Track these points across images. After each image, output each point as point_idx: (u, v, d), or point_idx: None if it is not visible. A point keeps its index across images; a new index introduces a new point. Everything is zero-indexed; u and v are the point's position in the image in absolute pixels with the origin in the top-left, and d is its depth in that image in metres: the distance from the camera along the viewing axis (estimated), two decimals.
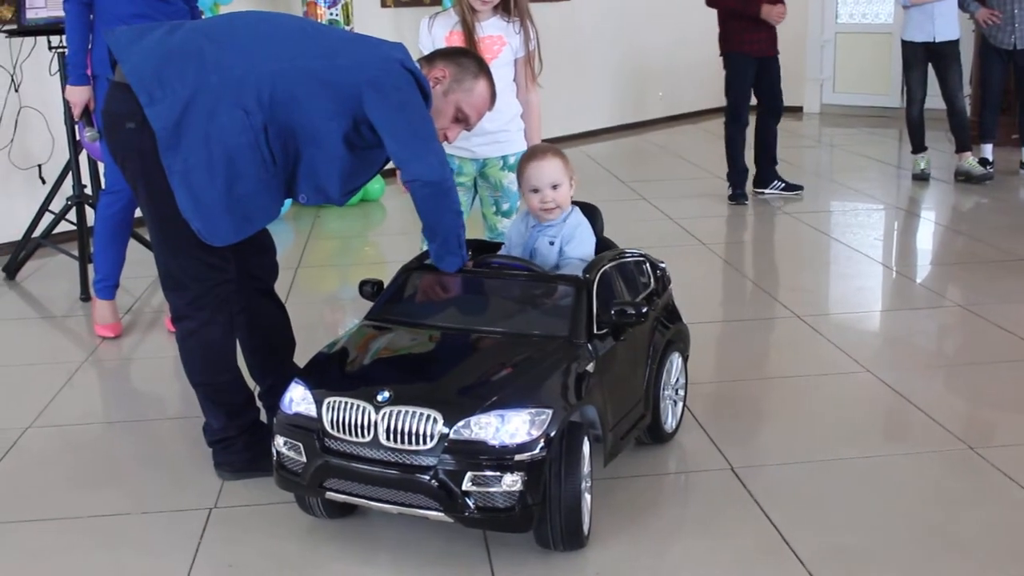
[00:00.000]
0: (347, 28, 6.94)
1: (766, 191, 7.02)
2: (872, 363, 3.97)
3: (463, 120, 3.17)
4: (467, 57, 3.22)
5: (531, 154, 3.23)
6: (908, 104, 7.46)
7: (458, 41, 3.67)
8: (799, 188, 7.00)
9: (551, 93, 8.62)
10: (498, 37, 3.73)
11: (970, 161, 7.36)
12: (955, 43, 7.22)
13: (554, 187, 3.12)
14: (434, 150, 2.87)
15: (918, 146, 7.48)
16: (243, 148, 2.82)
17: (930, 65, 7.31)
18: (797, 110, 10.90)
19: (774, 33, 6.69)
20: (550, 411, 2.53)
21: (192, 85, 2.80)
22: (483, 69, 3.19)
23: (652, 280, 3.29)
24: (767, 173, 7.03)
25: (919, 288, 5.08)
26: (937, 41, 7.17)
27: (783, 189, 6.99)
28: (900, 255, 5.91)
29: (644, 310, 2.88)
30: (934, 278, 5.26)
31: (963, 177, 7.35)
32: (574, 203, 3.22)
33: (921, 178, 7.47)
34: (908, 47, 7.35)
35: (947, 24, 7.15)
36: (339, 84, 2.84)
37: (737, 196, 6.85)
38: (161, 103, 2.79)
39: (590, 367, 2.74)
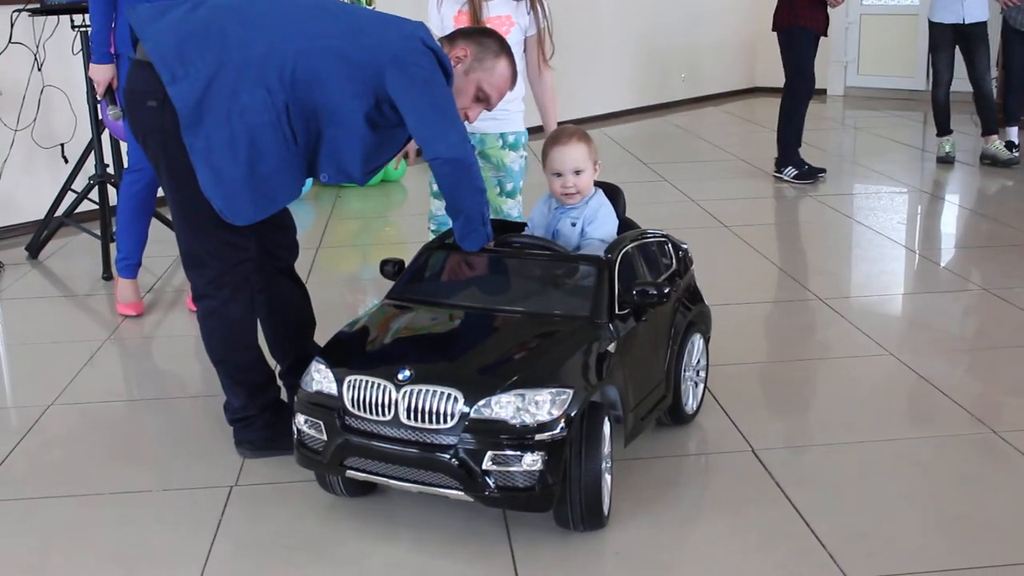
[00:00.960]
0: (369, 6, 6.91)
1: (782, 174, 6.99)
2: (895, 346, 3.95)
3: (484, 99, 3.16)
4: (488, 36, 3.21)
5: (556, 137, 3.21)
6: (934, 86, 7.40)
7: (466, 21, 3.64)
8: (821, 171, 6.95)
9: (572, 74, 8.59)
10: (506, 17, 3.70)
11: (996, 144, 7.30)
12: (984, 25, 7.17)
13: (577, 172, 3.10)
14: (456, 128, 2.87)
15: (943, 129, 7.43)
16: (265, 127, 2.81)
17: (957, 47, 7.24)
18: (821, 92, 10.83)
19: (826, 12, 6.76)
20: (571, 391, 2.52)
21: (214, 63, 2.79)
22: (504, 48, 3.18)
23: (674, 261, 3.28)
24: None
25: (943, 271, 5.04)
26: (967, 23, 7.11)
27: (795, 177, 6.92)
28: (924, 238, 5.87)
29: (666, 291, 2.87)
30: (958, 261, 5.22)
31: (989, 160, 7.30)
32: (597, 184, 3.21)
33: (946, 161, 7.42)
34: (936, 28, 7.28)
35: (977, 5, 7.10)
36: (361, 63, 2.83)
37: (810, 173, 6.89)
38: (183, 81, 2.79)
39: (611, 347, 2.73)
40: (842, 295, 4.64)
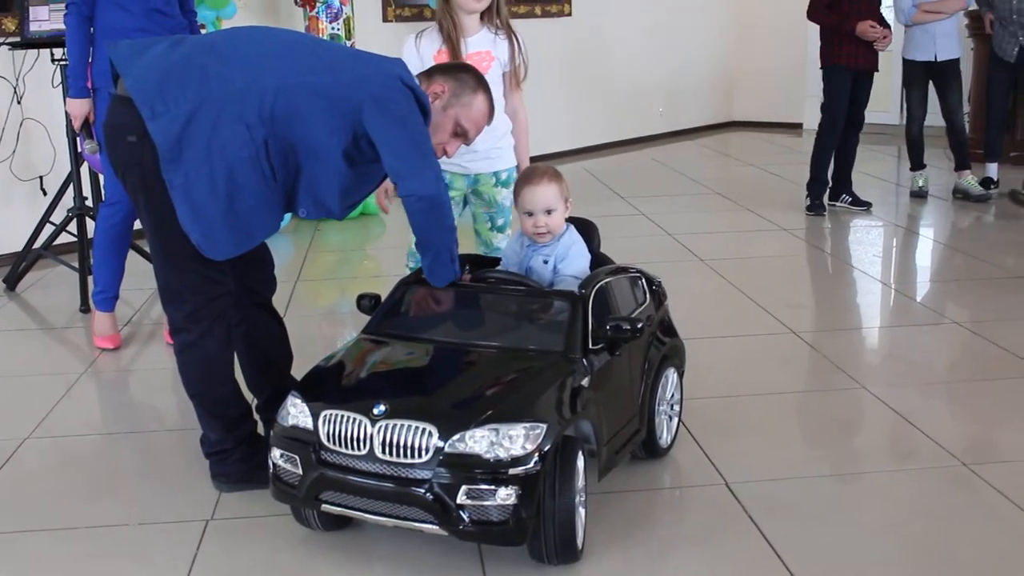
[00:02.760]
0: (348, 43, 6.97)
1: (837, 203, 7.12)
2: (868, 380, 3.98)
3: (462, 134, 3.18)
4: (466, 72, 3.24)
5: (527, 176, 3.24)
6: (908, 121, 7.47)
7: (446, 59, 3.67)
8: (867, 204, 7.10)
9: (549, 108, 8.64)
10: (486, 53, 3.74)
11: (969, 180, 7.37)
12: (956, 62, 7.24)
13: (548, 212, 3.14)
14: (431, 165, 2.89)
15: (917, 163, 7.51)
16: (244, 162, 2.83)
17: (931, 84, 7.33)
18: (797, 127, 10.94)
19: (872, 49, 6.81)
20: (545, 425, 2.54)
21: (194, 99, 2.81)
22: (481, 84, 3.21)
23: (648, 295, 3.31)
24: (842, 185, 7.14)
25: (917, 305, 5.09)
26: (939, 60, 7.18)
27: (851, 203, 7.09)
28: (898, 272, 5.93)
29: (640, 325, 2.90)
30: (932, 295, 5.27)
31: (961, 195, 7.36)
32: (570, 220, 3.24)
33: (919, 195, 7.49)
34: (909, 66, 7.35)
35: (949, 44, 7.17)
36: (340, 99, 2.86)
37: (816, 207, 6.99)
38: (163, 117, 2.81)
39: (585, 382, 2.76)
40: (816, 328, 4.68)
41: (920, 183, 7.51)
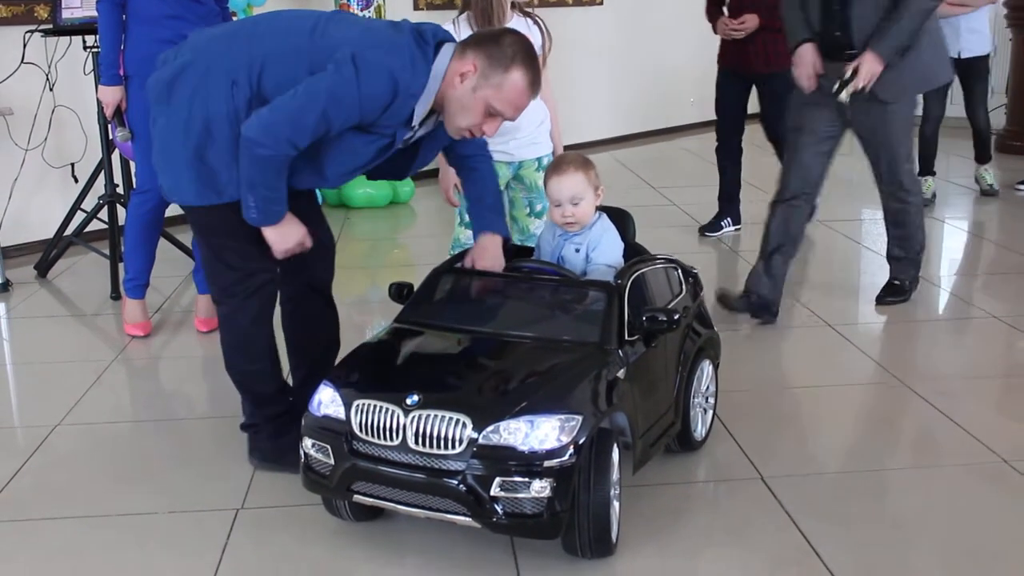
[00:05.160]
0: None
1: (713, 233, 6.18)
2: (906, 374, 3.93)
3: (497, 114, 2.90)
4: (500, 45, 2.85)
5: (555, 166, 3.19)
6: (923, 121, 6.78)
7: None
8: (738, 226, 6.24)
9: (580, 98, 8.58)
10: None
11: (982, 172, 7.20)
12: (984, 59, 6.86)
13: (575, 203, 3.09)
14: (275, 120, 2.74)
15: (926, 168, 6.87)
16: (221, 118, 2.85)
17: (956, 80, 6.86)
18: None
19: (749, 48, 5.84)
20: (580, 417, 2.51)
21: (195, 51, 2.92)
22: (519, 54, 2.83)
23: (684, 287, 3.27)
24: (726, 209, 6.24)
25: (955, 299, 5.02)
26: (963, 57, 6.69)
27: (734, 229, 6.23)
28: (934, 265, 5.85)
29: (676, 317, 2.85)
30: (970, 289, 5.20)
31: (980, 188, 7.23)
32: (603, 208, 3.20)
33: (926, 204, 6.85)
34: None
35: (976, 39, 6.78)
36: (315, 64, 2.80)
37: (709, 226, 6.21)
38: (166, 65, 2.95)
39: (621, 374, 2.72)
40: (852, 321, 4.62)
41: (928, 195, 6.81)
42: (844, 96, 4.13)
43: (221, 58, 2.87)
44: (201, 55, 2.90)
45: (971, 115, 7.04)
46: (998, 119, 9.19)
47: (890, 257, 4.83)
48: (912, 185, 4.61)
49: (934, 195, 7.00)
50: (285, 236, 2.95)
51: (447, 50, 2.86)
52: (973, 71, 6.84)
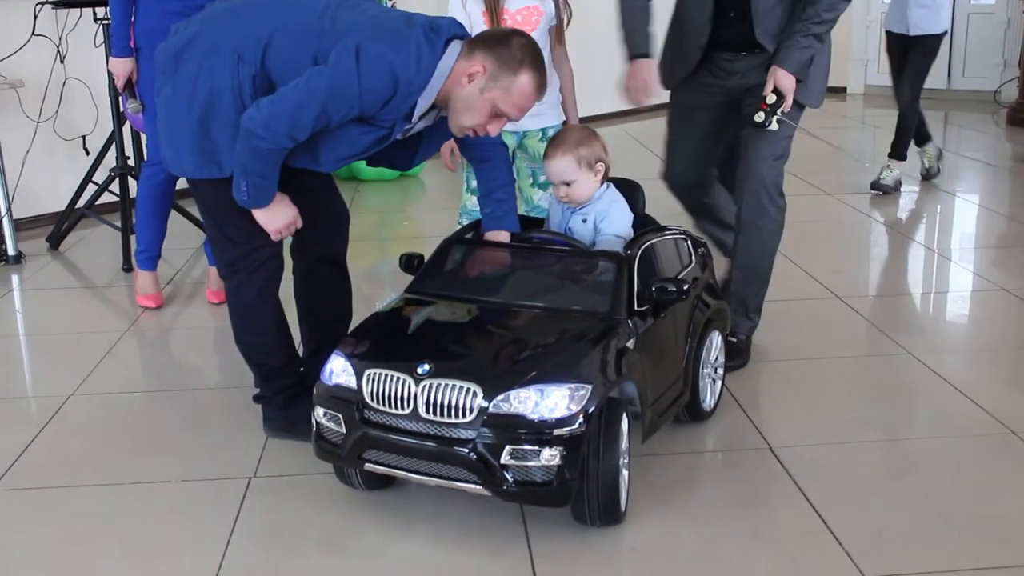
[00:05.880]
0: (389, 3, 6.92)
1: None
2: (915, 346, 3.94)
3: (503, 116, 2.91)
4: (509, 47, 2.84)
5: (549, 146, 3.20)
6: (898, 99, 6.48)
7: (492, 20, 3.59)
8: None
9: (593, 71, 8.53)
10: (534, 8, 3.65)
11: (886, 172, 6.48)
12: (934, 39, 6.24)
13: (566, 183, 3.10)
14: (275, 115, 2.74)
15: (921, 138, 6.66)
16: (224, 92, 2.85)
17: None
18: (841, 91, 10.79)
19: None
20: (590, 386, 2.53)
21: (202, 24, 2.92)
22: (527, 57, 2.84)
23: (693, 258, 3.28)
24: None
25: (963, 271, 5.02)
26: (911, 35, 6.25)
27: None
28: (943, 237, 5.85)
29: (685, 287, 2.87)
30: (979, 261, 5.19)
31: (878, 190, 6.46)
32: (615, 180, 3.21)
33: (928, 177, 6.74)
34: (887, 38, 6.57)
35: (926, 15, 6.18)
36: (321, 52, 2.78)
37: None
38: (174, 36, 2.95)
39: (630, 343, 2.73)
40: (860, 293, 4.63)
41: (927, 163, 6.74)
42: (773, 125, 3.51)
43: (228, 33, 2.87)
44: (209, 28, 2.91)
45: (897, 94, 6.42)
46: (1011, 92, 9.17)
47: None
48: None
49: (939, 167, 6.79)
50: (274, 217, 2.96)
51: (454, 48, 2.83)
52: (916, 49, 6.26)
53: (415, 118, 2.88)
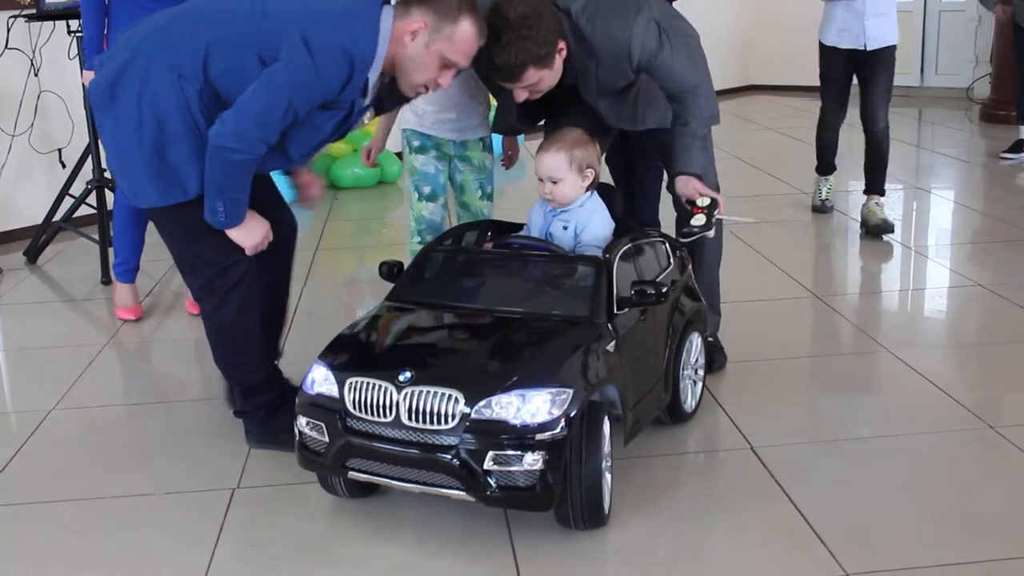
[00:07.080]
0: None
1: None
2: (892, 343, 3.96)
3: (452, 65, 2.93)
4: None
5: (545, 139, 3.20)
6: (819, 128, 6.06)
7: None
8: None
9: None
10: None
11: (874, 207, 5.58)
12: (892, 49, 5.59)
13: (553, 181, 3.10)
14: (243, 124, 2.76)
15: (829, 167, 6.09)
16: (172, 112, 2.83)
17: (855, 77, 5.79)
18: (816, 90, 10.81)
19: None
20: (571, 391, 2.54)
21: (132, 50, 2.88)
22: (463, 6, 2.86)
23: (672, 260, 3.29)
24: None
25: (939, 268, 5.06)
26: (869, 49, 5.55)
27: None
28: (919, 234, 5.88)
29: (664, 290, 2.88)
30: (955, 258, 5.23)
31: (863, 228, 5.59)
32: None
33: (821, 211, 6.04)
34: (826, 53, 5.78)
35: (883, 25, 5.55)
36: (266, 49, 2.78)
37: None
38: (102, 69, 2.91)
39: (610, 347, 2.75)
40: (839, 292, 4.66)
41: (825, 193, 6.08)
42: (711, 232, 3.28)
43: (160, 52, 2.84)
44: (138, 53, 2.86)
45: (869, 120, 5.62)
46: (983, 88, 9.24)
47: None
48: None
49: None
50: (250, 233, 2.96)
51: (388, 11, 2.85)
52: (878, 63, 5.57)
53: (369, 91, 2.90)
